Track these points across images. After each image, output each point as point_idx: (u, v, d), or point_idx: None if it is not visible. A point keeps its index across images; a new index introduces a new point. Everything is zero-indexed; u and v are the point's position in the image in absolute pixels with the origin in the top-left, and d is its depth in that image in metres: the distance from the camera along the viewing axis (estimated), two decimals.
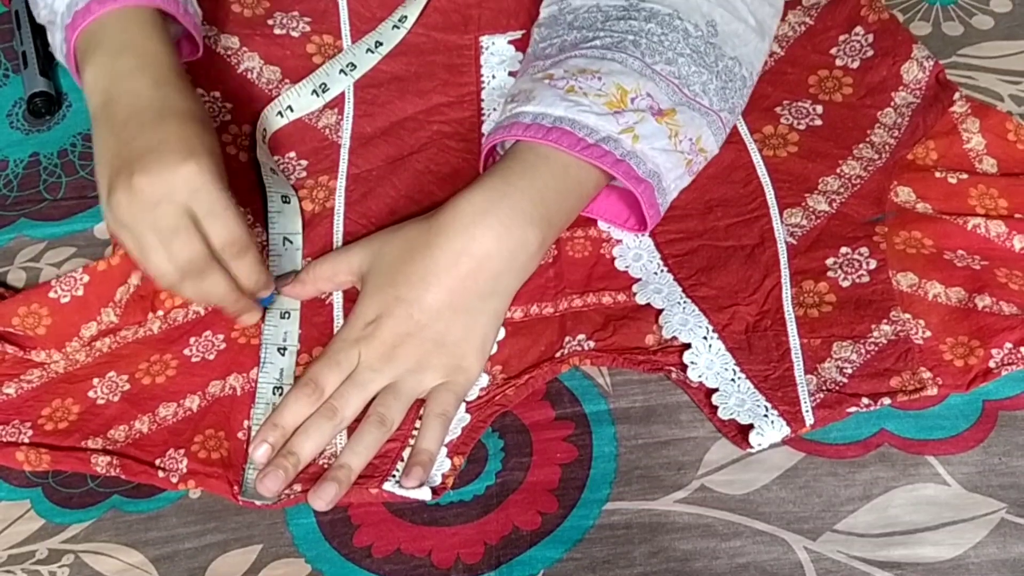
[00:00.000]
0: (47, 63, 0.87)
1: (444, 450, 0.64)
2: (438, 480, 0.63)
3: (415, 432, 0.65)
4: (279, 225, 0.73)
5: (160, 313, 0.71)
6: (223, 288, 0.66)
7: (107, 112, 0.67)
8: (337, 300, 0.71)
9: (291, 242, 0.73)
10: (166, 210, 0.63)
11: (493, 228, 0.65)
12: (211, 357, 0.69)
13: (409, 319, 0.65)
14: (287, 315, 0.70)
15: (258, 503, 0.63)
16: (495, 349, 0.68)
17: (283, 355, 0.68)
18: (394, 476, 0.63)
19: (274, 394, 0.66)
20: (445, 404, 0.65)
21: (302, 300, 0.71)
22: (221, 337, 0.70)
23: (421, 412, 0.66)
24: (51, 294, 0.71)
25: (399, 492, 0.62)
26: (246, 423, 0.66)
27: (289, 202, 0.74)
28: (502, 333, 0.68)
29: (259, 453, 0.64)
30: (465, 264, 0.65)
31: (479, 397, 0.66)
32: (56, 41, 0.73)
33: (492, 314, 0.67)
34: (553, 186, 0.66)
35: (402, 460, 0.64)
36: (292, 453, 0.63)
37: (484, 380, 0.67)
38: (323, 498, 0.62)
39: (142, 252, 0.65)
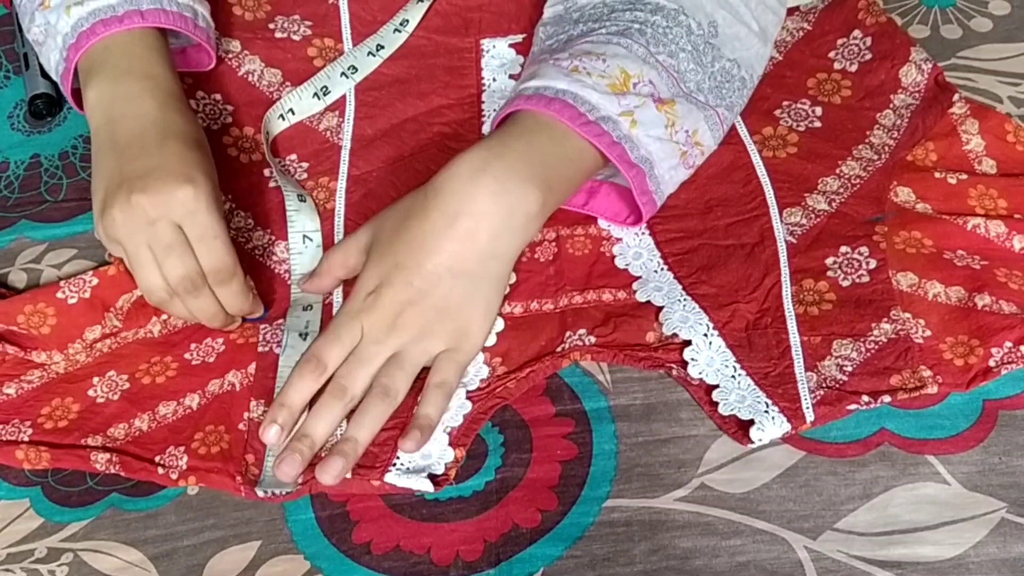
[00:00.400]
0: None
1: (447, 439, 0.64)
2: (441, 469, 0.63)
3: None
4: (298, 223, 0.74)
5: (164, 318, 0.71)
6: (212, 308, 0.67)
7: (109, 132, 0.68)
8: (337, 300, 0.71)
9: (311, 239, 0.73)
10: (163, 228, 0.65)
11: (488, 186, 0.64)
12: (211, 360, 0.69)
13: (409, 286, 0.65)
14: (309, 307, 0.70)
15: (277, 491, 0.62)
16: (495, 340, 0.68)
17: (304, 340, 0.68)
18: (395, 466, 0.63)
19: None
20: (446, 373, 0.65)
21: (323, 293, 0.71)
22: (220, 341, 0.70)
23: (419, 401, 0.66)
24: (58, 294, 0.71)
25: (400, 483, 0.62)
26: (246, 415, 0.66)
27: (305, 200, 0.75)
28: (501, 325, 0.68)
29: (270, 434, 0.63)
30: (462, 225, 0.64)
31: (480, 388, 0.66)
32: (51, 60, 0.74)
33: (494, 278, 0.66)
34: (553, 151, 0.66)
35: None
36: (306, 435, 0.63)
37: (484, 371, 0.67)
38: (330, 472, 0.61)
39: (134, 268, 0.66)
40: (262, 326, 0.70)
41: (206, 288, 0.66)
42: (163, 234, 0.65)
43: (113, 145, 0.68)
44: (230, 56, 0.83)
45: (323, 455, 0.64)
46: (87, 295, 0.71)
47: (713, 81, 0.70)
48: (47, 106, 0.85)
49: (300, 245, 0.73)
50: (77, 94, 0.74)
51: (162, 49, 0.72)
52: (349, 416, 0.65)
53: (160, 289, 0.66)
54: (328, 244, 0.74)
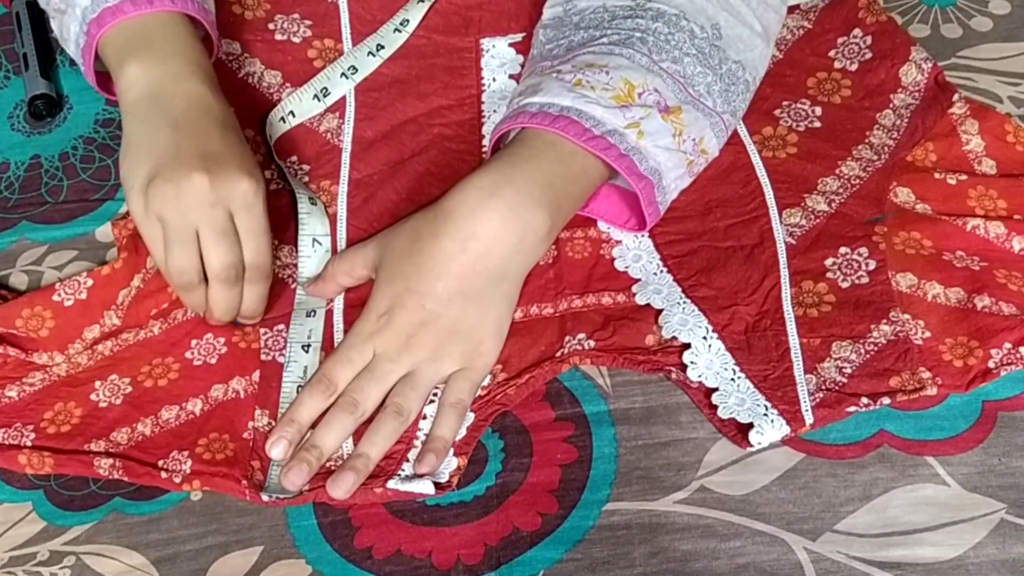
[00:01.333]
0: (48, 65, 0.87)
1: (451, 449, 0.64)
2: (445, 477, 0.63)
3: (418, 434, 0.65)
4: (309, 227, 0.74)
5: (164, 305, 0.71)
6: (234, 303, 0.67)
7: (158, 108, 0.68)
8: (338, 305, 0.71)
9: (320, 243, 0.73)
10: (220, 213, 0.65)
11: (499, 212, 0.64)
12: (213, 361, 0.69)
13: (421, 309, 0.65)
14: (312, 313, 0.71)
15: (281, 496, 0.63)
16: None
17: (307, 352, 0.69)
18: (399, 476, 0.63)
19: (297, 392, 0.67)
20: (460, 392, 0.65)
21: (327, 298, 0.71)
22: (222, 340, 0.70)
23: (425, 412, 0.66)
24: (55, 297, 0.71)
25: (402, 488, 0.62)
26: (251, 424, 0.66)
27: (316, 204, 0.75)
28: None
29: (276, 450, 0.64)
30: (473, 249, 0.65)
31: (480, 396, 0.66)
32: (70, 32, 0.73)
33: (504, 297, 0.67)
34: (560, 172, 0.66)
35: (407, 461, 0.64)
36: (315, 446, 0.64)
37: (486, 379, 0.67)
38: (341, 487, 0.62)
39: (170, 245, 0.65)
40: (263, 331, 0.70)
41: (239, 282, 0.67)
42: (219, 219, 0.65)
43: (166, 120, 0.67)
44: (230, 58, 0.83)
45: (330, 467, 0.64)
46: (83, 296, 0.71)
47: (723, 83, 0.70)
48: (47, 107, 0.85)
49: (309, 248, 0.73)
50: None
51: (197, 37, 0.72)
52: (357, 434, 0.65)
53: (194, 272, 0.66)
54: (332, 249, 0.74)
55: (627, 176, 0.66)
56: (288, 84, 0.82)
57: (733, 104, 0.71)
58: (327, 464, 0.64)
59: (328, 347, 0.69)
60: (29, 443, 0.66)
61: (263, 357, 0.69)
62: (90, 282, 0.71)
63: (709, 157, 0.72)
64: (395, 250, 0.67)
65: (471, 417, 0.66)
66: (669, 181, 0.69)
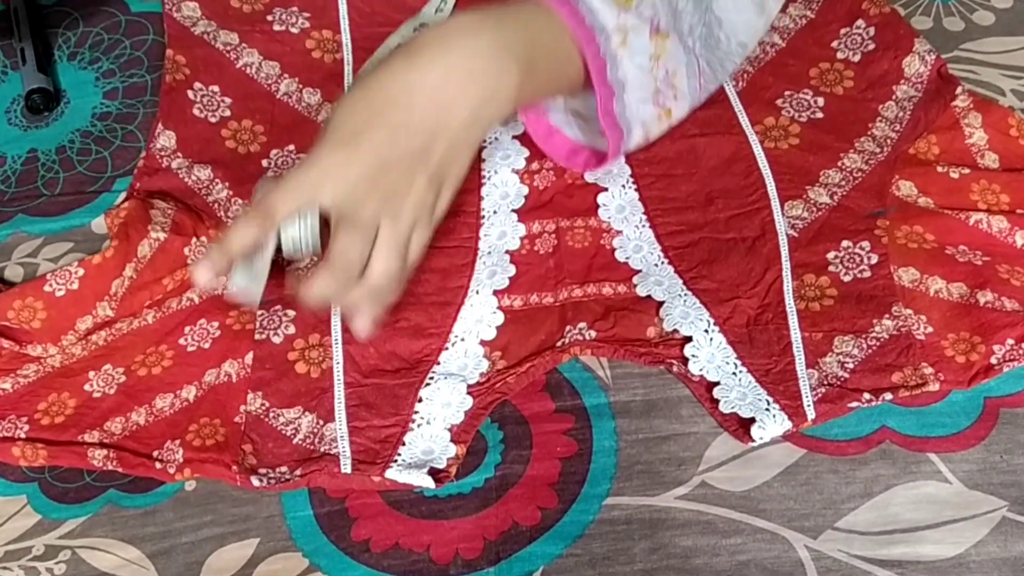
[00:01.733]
0: (46, 60, 0.87)
1: (448, 435, 0.64)
2: (443, 464, 0.63)
3: (415, 417, 0.65)
4: None
5: (158, 296, 0.71)
6: None
7: None
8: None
9: None
10: None
11: (480, 51, 0.59)
12: (206, 346, 0.69)
13: (391, 144, 0.59)
14: None
15: (241, 295, 0.61)
16: (494, 334, 0.67)
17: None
18: (396, 462, 0.63)
19: None
20: (417, 245, 0.61)
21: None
22: (216, 324, 0.70)
23: (421, 395, 0.65)
24: (46, 288, 0.70)
25: (401, 479, 0.62)
26: (243, 408, 0.66)
27: None
28: (501, 318, 0.68)
29: (200, 272, 0.59)
30: (453, 82, 0.59)
31: (479, 383, 0.66)
32: None
33: (471, 146, 0.61)
34: (545, 43, 0.62)
35: (404, 444, 0.64)
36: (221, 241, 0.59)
37: (484, 365, 0.67)
38: (361, 322, 0.61)
39: None
40: (259, 312, 0.70)
41: None
42: None
43: None
44: (228, 48, 0.82)
45: (325, 451, 0.64)
46: (75, 286, 0.70)
47: (704, 29, 0.69)
48: (44, 101, 0.85)
49: None
50: None
51: None
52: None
53: None
54: None
55: (595, 77, 0.63)
56: (286, 74, 0.82)
57: (709, 53, 0.70)
58: (321, 448, 0.64)
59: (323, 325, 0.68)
60: (23, 435, 0.66)
61: (257, 337, 0.68)
62: (81, 271, 0.71)
63: (677, 94, 0.69)
64: (352, 96, 0.60)
65: (470, 402, 0.65)
66: (631, 100, 0.66)
